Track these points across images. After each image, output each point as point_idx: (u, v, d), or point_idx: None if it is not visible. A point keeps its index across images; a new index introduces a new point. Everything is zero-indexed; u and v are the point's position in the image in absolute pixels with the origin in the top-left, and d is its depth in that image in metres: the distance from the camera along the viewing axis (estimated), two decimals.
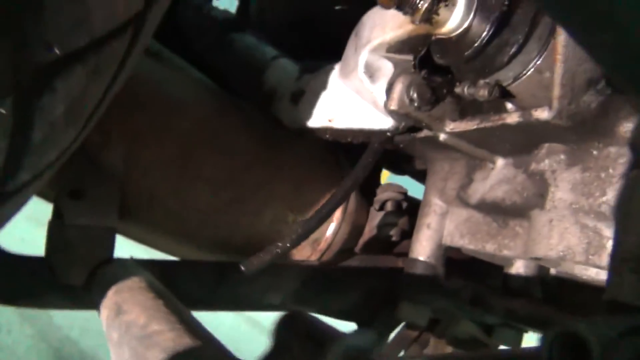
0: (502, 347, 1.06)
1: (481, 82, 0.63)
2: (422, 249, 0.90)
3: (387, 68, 0.72)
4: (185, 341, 0.41)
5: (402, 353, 1.10)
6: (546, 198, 0.69)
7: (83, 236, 0.81)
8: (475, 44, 0.60)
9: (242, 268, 0.77)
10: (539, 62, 0.60)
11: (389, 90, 0.72)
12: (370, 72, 0.73)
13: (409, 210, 1.04)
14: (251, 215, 0.95)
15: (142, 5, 0.54)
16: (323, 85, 0.83)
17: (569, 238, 0.67)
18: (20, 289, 0.83)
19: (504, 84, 0.63)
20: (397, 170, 1.19)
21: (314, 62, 0.90)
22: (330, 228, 1.00)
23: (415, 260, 0.90)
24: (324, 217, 0.79)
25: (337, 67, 0.82)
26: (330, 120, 0.81)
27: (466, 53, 0.62)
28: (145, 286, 0.62)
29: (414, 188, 1.12)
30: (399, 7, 0.60)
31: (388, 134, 0.78)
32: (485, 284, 1.04)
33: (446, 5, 0.61)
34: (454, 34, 0.63)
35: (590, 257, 0.66)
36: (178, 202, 0.91)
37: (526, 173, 0.73)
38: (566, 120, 0.59)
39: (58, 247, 0.81)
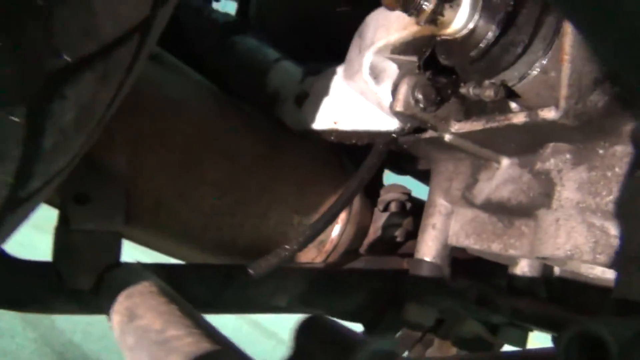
0: (509, 347, 1.06)
1: (487, 82, 0.63)
2: (428, 249, 0.90)
3: (391, 69, 0.73)
4: (205, 346, 0.41)
5: (405, 354, 1.10)
6: (552, 197, 0.70)
7: (89, 241, 0.81)
8: (481, 45, 0.61)
9: (250, 271, 0.77)
10: (544, 62, 0.60)
11: (394, 91, 0.72)
12: (375, 74, 0.74)
13: (413, 211, 1.04)
14: (256, 218, 0.95)
15: (148, 11, 0.54)
16: (327, 87, 0.83)
17: (576, 237, 0.67)
18: (27, 295, 0.83)
19: (510, 84, 0.63)
20: (400, 170, 1.19)
21: (316, 65, 0.90)
22: (336, 230, 1.00)
23: (421, 261, 0.91)
24: (330, 219, 0.79)
25: (340, 69, 0.82)
26: (335, 122, 0.82)
27: (471, 54, 0.62)
28: (157, 290, 0.62)
29: (416, 189, 1.12)
30: (404, 9, 0.60)
31: (393, 135, 0.78)
32: (490, 283, 1.05)
33: (451, 7, 0.61)
34: (459, 34, 0.63)
35: (597, 256, 0.66)
36: (183, 205, 0.91)
37: (532, 173, 0.74)
38: (573, 119, 0.59)
39: (65, 252, 0.81)
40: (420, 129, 0.78)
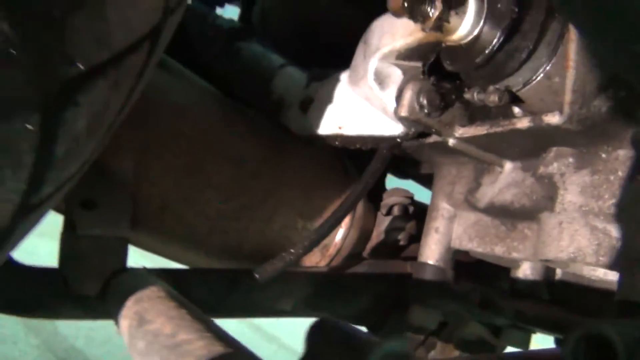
0: (512, 349, 1.06)
1: (491, 88, 0.64)
2: (431, 252, 0.91)
3: (396, 75, 0.74)
4: (217, 349, 0.42)
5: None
6: (555, 201, 0.71)
7: (96, 246, 0.81)
8: (486, 51, 0.62)
9: (256, 275, 0.78)
10: (548, 68, 0.61)
11: (399, 97, 0.73)
12: (380, 79, 0.75)
13: (416, 215, 1.05)
14: (261, 222, 0.96)
15: (158, 20, 0.55)
16: (332, 93, 0.84)
17: (579, 240, 0.68)
18: (34, 301, 0.83)
19: (514, 89, 0.64)
20: (402, 174, 1.20)
21: (321, 70, 0.91)
22: (339, 233, 1.01)
23: (425, 264, 0.91)
24: (335, 223, 0.80)
25: (345, 75, 0.83)
26: (340, 128, 0.82)
27: (476, 60, 0.63)
28: (165, 295, 0.62)
29: (418, 193, 1.13)
30: (411, 15, 0.61)
31: (397, 140, 0.79)
32: (493, 287, 1.06)
33: (457, 13, 0.62)
34: (464, 41, 0.64)
35: (600, 258, 0.67)
36: (188, 210, 0.91)
37: (535, 176, 0.75)
38: (576, 124, 0.60)
39: (71, 257, 0.81)
40: (424, 134, 0.79)
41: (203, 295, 0.88)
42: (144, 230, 0.91)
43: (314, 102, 0.87)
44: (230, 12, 1.26)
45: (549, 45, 0.60)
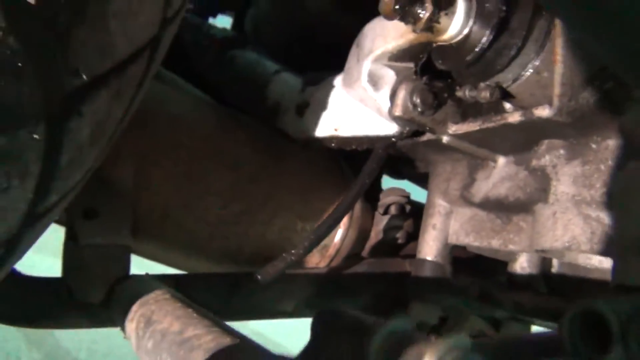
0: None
1: (482, 84, 0.66)
2: (429, 249, 0.92)
3: (389, 76, 0.75)
4: (226, 341, 0.43)
5: None
6: (549, 192, 0.72)
7: (99, 255, 0.82)
8: (476, 49, 0.63)
9: (258, 277, 0.79)
10: (536, 64, 0.63)
11: (393, 97, 0.75)
12: (374, 81, 0.76)
13: (413, 213, 1.07)
14: (261, 225, 0.97)
15: (157, 30, 0.56)
16: (327, 96, 0.85)
17: (573, 229, 0.70)
18: (39, 311, 0.84)
19: (504, 85, 0.66)
20: (397, 175, 1.22)
21: (315, 75, 0.92)
22: (338, 234, 1.02)
23: (423, 261, 0.93)
24: (335, 222, 0.81)
25: (339, 78, 0.85)
26: (336, 129, 0.84)
27: (467, 58, 0.65)
28: (171, 297, 0.63)
29: (414, 193, 1.15)
30: (402, 18, 0.63)
31: (392, 139, 0.81)
32: (491, 280, 1.07)
33: (446, 14, 0.64)
34: (454, 40, 0.66)
35: (594, 245, 0.69)
36: (188, 216, 0.92)
37: (528, 169, 0.76)
38: (566, 116, 0.62)
39: (75, 267, 0.82)
40: (418, 133, 0.81)
41: (205, 299, 0.89)
42: (145, 238, 0.92)
43: (310, 106, 0.89)
44: (223, 23, 1.28)
45: (537, 41, 0.62)
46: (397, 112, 0.74)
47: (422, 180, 1.12)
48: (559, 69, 0.59)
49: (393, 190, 1.07)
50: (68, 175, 0.55)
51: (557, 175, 0.72)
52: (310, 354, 0.41)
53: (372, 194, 1.08)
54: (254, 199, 0.96)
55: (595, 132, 0.66)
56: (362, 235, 1.05)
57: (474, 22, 0.64)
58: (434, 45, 0.70)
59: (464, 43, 0.65)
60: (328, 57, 0.89)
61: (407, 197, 1.07)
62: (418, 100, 0.72)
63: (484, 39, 0.63)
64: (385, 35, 0.74)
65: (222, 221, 0.94)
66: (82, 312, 0.84)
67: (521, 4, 0.62)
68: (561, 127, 0.66)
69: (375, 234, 1.06)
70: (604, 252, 0.68)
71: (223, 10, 1.28)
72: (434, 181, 0.93)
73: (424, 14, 0.63)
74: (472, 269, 1.06)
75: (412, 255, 0.98)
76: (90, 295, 0.82)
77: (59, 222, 0.86)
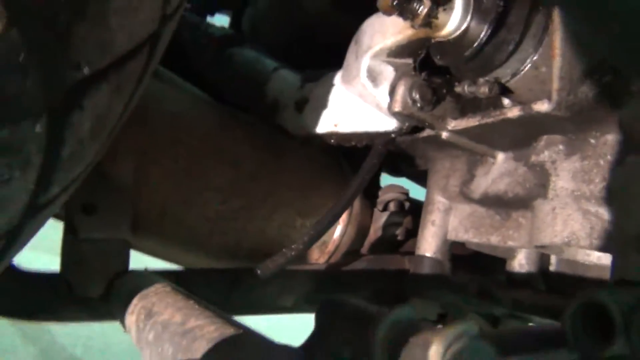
0: None
1: (481, 80, 0.66)
2: (428, 245, 0.93)
3: (388, 72, 0.76)
4: (229, 331, 0.43)
5: None
6: (548, 188, 0.72)
7: (98, 249, 0.82)
8: (474, 45, 0.64)
9: (258, 272, 0.79)
10: (535, 58, 0.63)
11: (392, 93, 0.75)
12: (373, 77, 0.76)
13: (412, 210, 1.07)
14: (260, 222, 0.97)
15: (157, 26, 0.57)
16: (326, 93, 0.86)
17: (573, 224, 0.70)
18: (38, 305, 0.84)
19: (503, 80, 0.66)
20: (396, 172, 1.22)
21: (314, 71, 0.93)
22: (337, 230, 1.02)
23: (422, 257, 0.93)
24: (334, 218, 0.81)
25: (338, 75, 0.85)
26: (335, 125, 0.84)
27: (465, 53, 0.65)
28: (171, 290, 0.64)
29: (412, 191, 1.15)
30: (400, 14, 0.63)
31: (392, 135, 0.81)
32: (489, 277, 1.07)
33: (444, 10, 0.64)
34: (452, 36, 0.66)
35: (593, 241, 0.69)
36: (188, 213, 0.93)
37: (527, 165, 0.77)
38: (565, 111, 0.62)
39: (74, 261, 0.83)
40: (417, 128, 0.81)
41: (205, 294, 0.89)
42: (145, 234, 0.92)
43: (309, 102, 0.89)
44: (221, 22, 1.28)
45: (535, 36, 0.62)
46: (397, 107, 0.74)
47: (420, 177, 1.12)
48: (557, 63, 0.59)
49: (392, 187, 1.08)
50: (69, 168, 0.55)
51: (556, 170, 0.72)
52: (314, 343, 0.41)
53: (371, 190, 1.08)
54: (254, 195, 0.96)
55: (594, 127, 0.66)
56: (361, 231, 1.05)
57: (472, 18, 0.64)
58: (433, 41, 0.70)
59: (462, 38, 0.65)
60: (326, 57, 0.89)
61: (406, 193, 1.07)
62: (417, 96, 0.73)
63: (482, 35, 0.63)
64: (383, 32, 0.74)
65: (221, 217, 0.95)
66: (81, 307, 0.85)
67: None
68: (560, 122, 0.66)
69: (374, 231, 1.06)
70: (603, 248, 0.68)
71: (221, 9, 1.28)
72: (433, 177, 0.94)
73: (422, 9, 0.63)
74: (471, 266, 1.06)
75: (411, 252, 0.98)
76: (90, 289, 0.82)
77: (57, 217, 0.86)
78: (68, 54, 0.46)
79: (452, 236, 0.91)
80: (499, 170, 0.81)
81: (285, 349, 0.43)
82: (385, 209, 1.06)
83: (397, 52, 0.75)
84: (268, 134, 1.01)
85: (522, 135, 0.74)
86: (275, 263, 0.80)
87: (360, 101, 0.81)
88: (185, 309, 0.52)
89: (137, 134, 0.87)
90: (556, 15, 0.59)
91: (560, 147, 0.71)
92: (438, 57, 0.71)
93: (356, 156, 0.99)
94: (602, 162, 0.66)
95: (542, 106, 0.63)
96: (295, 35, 1.12)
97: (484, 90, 0.65)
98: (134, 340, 0.60)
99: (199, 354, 0.43)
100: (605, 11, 0.33)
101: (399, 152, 0.93)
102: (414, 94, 0.73)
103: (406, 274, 1.00)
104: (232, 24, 1.28)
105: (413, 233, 1.04)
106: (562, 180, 0.70)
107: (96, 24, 0.47)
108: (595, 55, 0.58)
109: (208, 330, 0.45)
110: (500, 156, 0.81)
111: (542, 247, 0.76)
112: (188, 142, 0.92)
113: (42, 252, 1.12)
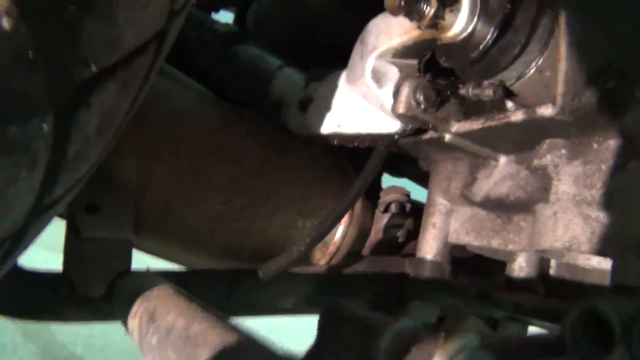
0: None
1: (485, 82, 0.66)
2: (429, 247, 0.93)
3: (393, 73, 0.76)
4: (232, 338, 0.43)
5: None
6: (550, 192, 0.73)
7: (100, 249, 0.82)
8: (480, 47, 0.64)
9: (260, 273, 0.79)
10: (540, 62, 0.63)
11: (396, 94, 0.75)
12: (377, 78, 0.77)
13: (413, 212, 1.07)
14: (262, 222, 0.97)
15: (164, 22, 0.57)
16: (330, 92, 0.86)
17: (574, 229, 0.70)
18: (40, 305, 0.84)
19: (507, 83, 0.66)
20: (398, 173, 1.22)
21: (318, 71, 0.93)
22: (339, 232, 1.02)
23: (423, 260, 0.93)
24: (336, 219, 0.81)
25: (343, 75, 0.85)
26: (339, 126, 0.84)
27: (471, 55, 0.65)
28: (174, 293, 0.63)
29: (413, 192, 1.15)
30: (407, 14, 0.63)
31: (395, 136, 0.81)
32: (489, 280, 1.07)
33: (451, 11, 0.64)
34: (458, 37, 0.66)
35: (594, 246, 0.69)
36: (190, 212, 0.93)
37: (529, 169, 0.77)
38: (569, 115, 0.62)
39: (76, 261, 0.83)
40: (421, 130, 0.81)
41: (206, 295, 0.89)
42: (147, 234, 0.92)
43: (313, 102, 0.89)
44: (225, 18, 1.28)
45: (540, 40, 0.62)
46: (401, 109, 0.74)
47: (422, 179, 1.12)
48: (562, 67, 0.60)
49: (393, 188, 1.08)
50: (75, 167, 0.55)
51: (558, 174, 0.72)
52: (317, 353, 0.41)
53: (373, 192, 1.08)
54: (256, 193, 0.96)
55: (597, 132, 0.67)
56: (363, 233, 1.05)
57: (479, 20, 0.64)
58: (438, 42, 0.70)
59: (468, 40, 0.65)
60: (330, 56, 0.89)
61: (408, 195, 1.07)
62: (421, 98, 0.73)
63: (488, 37, 0.63)
64: (389, 32, 0.74)
65: (223, 217, 0.94)
66: (83, 306, 0.84)
67: (525, 1, 0.62)
68: (563, 126, 0.66)
69: (376, 232, 1.06)
70: (604, 253, 0.68)
71: (225, 6, 1.28)
72: (434, 180, 0.94)
73: (429, 10, 0.63)
74: (471, 269, 1.06)
75: (412, 254, 0.98)
76: (91, 289, 0.82)
77: (59, 215, 0.86)
78: (76, 51, 0.46)
79: (453, 239, 0.91)
80: (501, 174, 0.81)
81: (288, 358, 0.43)
82: (386, 210, 1.06)
83: (403, 53, 0.75)
84: (271, 132, 1.01)
85: (525, 139, 0.74)
86: (278, 264, 0.80)
87: (364, 102, 0.81)
88: (188, 314, 0.52)
89: (140, 131, 0.87)
90: (562, 18, 0.60)
91: (563, 151, 0.71)
92: (443, 58, 0.71)
93: (358, 157, 0.99)
94: (604, 167, 0.66)
95: (546, 110, 0.64)
96: (299, 34, 1.12)
97: (488, 93, 0.65)
98: (137, 344, 0.60)
99: None
100: (615, 11, 0.33)
101: (401, 154, 0.93)
102: (418, 96, 0.73)
103: (406, 276, 1.00)
104: (237, 20, 1.28)
105: (414, 235, 1.04)
106: (564, 185, 0.71)
107: (104, 20, 0.47)
108: (600, 59, 0.59)
109: (211, 336, 0.45)
110: (503, 159, 0.81)
111: (543, 251, 0.76)
112: (191, 139, 0.92)
113: (43, 250, 1.12)
